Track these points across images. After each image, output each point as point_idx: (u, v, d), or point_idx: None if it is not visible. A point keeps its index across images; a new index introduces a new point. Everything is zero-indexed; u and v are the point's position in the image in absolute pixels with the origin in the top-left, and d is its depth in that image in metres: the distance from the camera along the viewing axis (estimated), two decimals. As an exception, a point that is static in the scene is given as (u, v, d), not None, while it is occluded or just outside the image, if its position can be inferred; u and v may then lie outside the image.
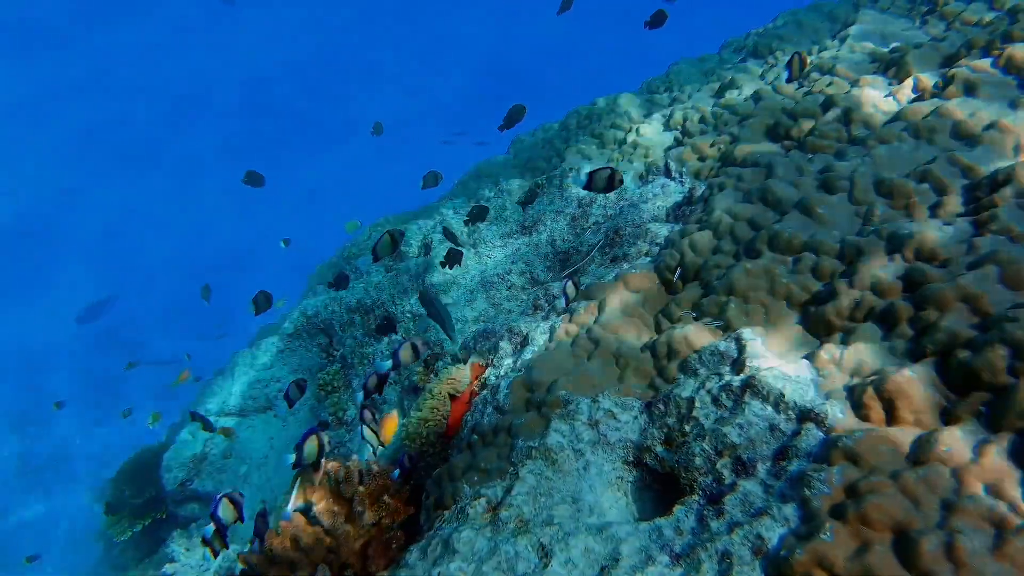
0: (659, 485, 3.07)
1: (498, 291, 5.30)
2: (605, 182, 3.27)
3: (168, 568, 5.70)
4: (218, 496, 3.36)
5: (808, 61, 4.57)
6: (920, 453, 2.15)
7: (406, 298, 5.94)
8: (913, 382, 2.33)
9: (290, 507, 3.44)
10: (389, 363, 3.48)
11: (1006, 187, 2.87)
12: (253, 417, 7.42)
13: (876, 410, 2.37)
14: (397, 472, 3.35)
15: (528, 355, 3.59)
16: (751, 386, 2.68)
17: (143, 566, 8.41)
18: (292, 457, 2.99)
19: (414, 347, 3.57)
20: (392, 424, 3.46)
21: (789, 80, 4.47)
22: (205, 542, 3.43)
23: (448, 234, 5.93)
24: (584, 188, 3.40)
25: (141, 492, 7.61)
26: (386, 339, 5.92)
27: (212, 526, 3.35)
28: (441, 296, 5.40)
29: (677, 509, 2.61)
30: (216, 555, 3.41)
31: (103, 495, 17.44)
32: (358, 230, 10.05)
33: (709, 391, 2.82)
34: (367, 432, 3.46)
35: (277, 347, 7.46)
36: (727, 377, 2.83)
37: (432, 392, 3.55)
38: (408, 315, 5.80)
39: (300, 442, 2.95)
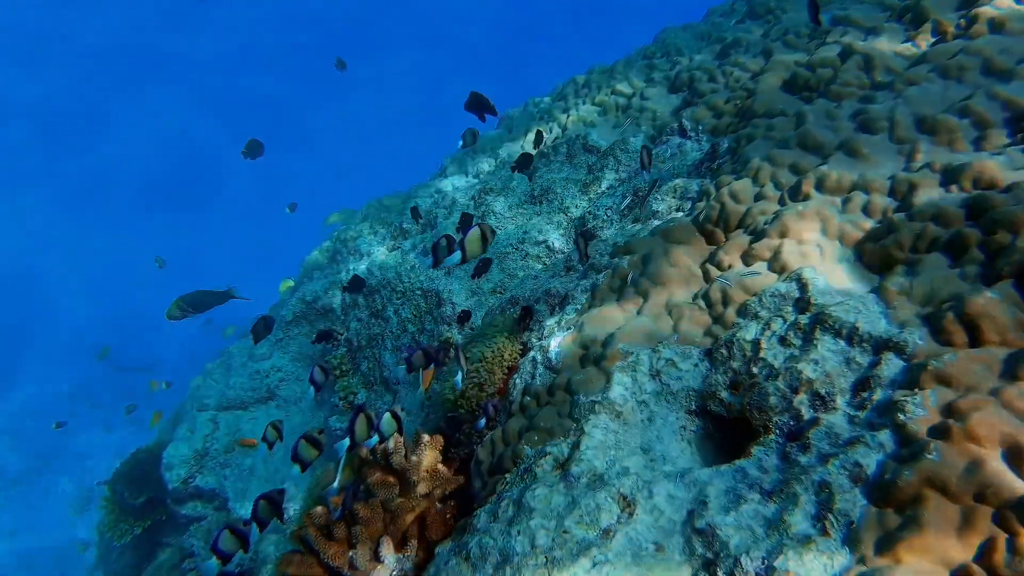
0: (721, 433, 3.03)
1: (513, 261, 5.20)
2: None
3: (188, 563, 5.50)
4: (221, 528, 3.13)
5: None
6: (1017, 369, 2.13)
7: (414, 274, 5.80)
8: (995, 303, 2.31)
9: (336, 484, 3.31)
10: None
11: (1054, 114, 2.88)
12: (255, 409, 7.20)
13: (958, 334, 2.36)
14: (483, 422, 3.21)
15: (571, 314, 3.51)
16: (821, 321, 2.64)
17: (145, 570, 8.15)
18: (346, 442, 2.85)
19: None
20: (429, 374, 3.31)
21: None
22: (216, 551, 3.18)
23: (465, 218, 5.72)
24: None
25: (140, 493, 7.34)
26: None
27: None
28: (455, 270, 5.28)
29: (755, 449, 2.57)
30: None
31: (83, 506, 16.86)
32: (336, 224, 9.82)
33: (775, 332, 2.78)
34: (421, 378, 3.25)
35: (275, 336, 7.24)
36: (793, 316, 2.79)
37: (482, 355, 3.44)
38: (418, 292, 5.66)
39: (351, 421, 2.81)
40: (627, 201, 4.25)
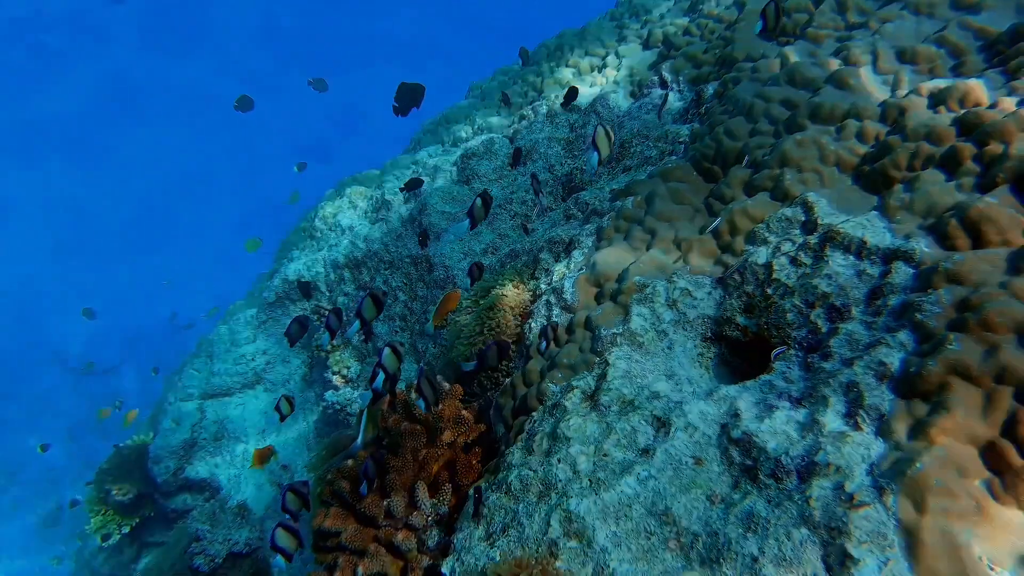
0: (737, 358, 3.15)
1: (502, 221, 5.23)
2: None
3: (195, 547, 5.40)
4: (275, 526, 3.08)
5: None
6: (1020, 264, 2.28)
7: (401, 243, 5.77)
8: (995, 207, 2.46)
9: (360, 439, 3.32)
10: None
11: (1028, 35, 3.05)
12: (241, 394, 7.08)
13: (962, 239, 2.50)
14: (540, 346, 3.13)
15: (579, 258, 3.57)
16: (830, 239, 2.77)
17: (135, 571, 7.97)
18: (381, 377, 2.83)
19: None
20: (454, 300, 3.28)
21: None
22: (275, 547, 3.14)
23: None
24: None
25: (126, 489, 7.15)
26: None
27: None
28: (444, 233, 5.27)
29: (776, 364, 2.68)
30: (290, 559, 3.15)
31: (53, 520, 16.30)
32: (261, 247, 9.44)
33: (786, 253, 2.89)
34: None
35: (257, 319, 7.11)
36: (801, 238, 2.91)
37: (492, 305, 3.47)
38: (407, 260, 5.64)
39: (372, 374, 2.80)
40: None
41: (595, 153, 2.90)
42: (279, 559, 2.87)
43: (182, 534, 5.80)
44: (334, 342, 6.07)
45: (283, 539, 2.86)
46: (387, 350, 2.78)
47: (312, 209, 8.19)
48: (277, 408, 4.23)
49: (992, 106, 2.83)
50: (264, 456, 4.05)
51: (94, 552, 8.93)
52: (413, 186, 5.61)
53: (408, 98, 4.33)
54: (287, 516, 3.12)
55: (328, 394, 5.96)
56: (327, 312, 4.05)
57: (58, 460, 16.81)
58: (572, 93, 4.80)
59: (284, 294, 6.87)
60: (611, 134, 2.90)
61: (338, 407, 5.88)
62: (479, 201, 2.89)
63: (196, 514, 5.67)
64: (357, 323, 3.02)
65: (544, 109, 5.72)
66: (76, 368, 18.39)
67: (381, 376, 2.71)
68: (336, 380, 6.01)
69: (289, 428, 6.56)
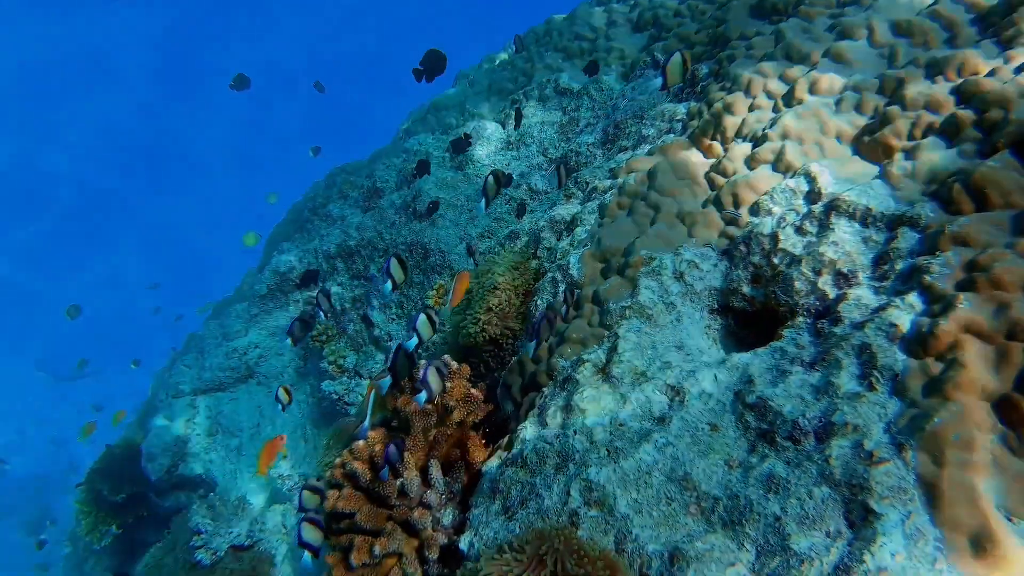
0: (743, 329, 3.18)
1: (497, 205, 5.22)
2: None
3: (196, 540, 5.33)
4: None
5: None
6: (1021, 224, 2.32)
7: (395, 230, 5.73)
8: (998, 170, 2.51)
9: (367, 422, 3.30)
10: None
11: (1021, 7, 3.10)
12: (234, 389, 7.00)
13: (966, 202, 2.54)
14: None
15: (582, 235, 3.57)
16: (835, 207, 2.80)
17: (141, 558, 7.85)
18: (415, 340, 2.81)
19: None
20: (466, 280, 3.24)
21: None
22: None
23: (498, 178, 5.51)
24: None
25: (119, 488, 7.04)
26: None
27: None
28: (440, 218, 5.25)
29: (786, 332, 2.71)
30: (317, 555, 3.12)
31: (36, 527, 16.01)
32: (253, 246, 9.39)
33: (791, 223, 2.92)
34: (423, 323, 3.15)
35: (249, 312, 7.02)
36: (805, 208, 2.94)
37: (495, 284, 3.46)
38: (402, 246, 5.60)
39: (413, 324, 2.76)
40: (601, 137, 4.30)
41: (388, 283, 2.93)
42: (306, 558, 2.81)
43: (181, 529, 5.73)
44: (327, 322, 6.01)
45: (310, 534, 2.81)
46: (422, 316, 2.73)
47: (300, 201, 8.11)
48: (277, 398, 4.20)
49: (991, 74, 2.87)
50: (274, 449, 4.01)
51: (84, 555, 8.79)
52: (459, 147, 5.42)
53: (433, 64, 4.34)
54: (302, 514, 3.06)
55: (325, 384, 5.92)
56: (320, 299, 4.00)
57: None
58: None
59: (276, 286, 6.80)
60: (502, 180, 2.99)
61: (335, 397, 5.84)
62: (491, 179, 2.87)
63: (196, 508, 5.60)
64: (388, 284, 2.96)
65: (536, 94, 5.71)
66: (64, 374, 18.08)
67: (414, 340, 2.67)
68: (332, 370, 5.96)
69: (284, 421, 6.50)
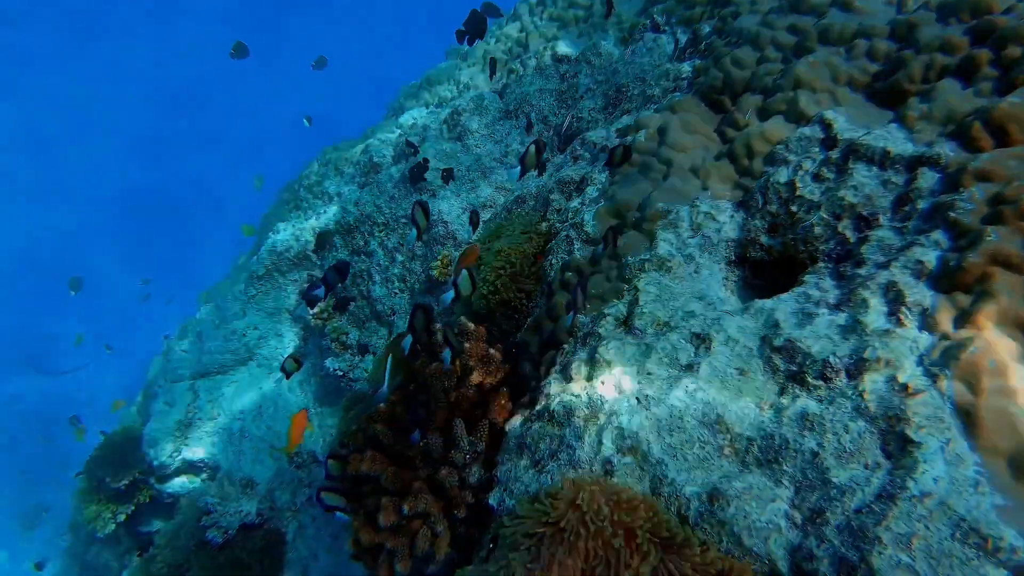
0: (761, 280, 3.17)
1: (498, 175, 5.17)
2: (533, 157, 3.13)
3: (207, 520, 5.30)
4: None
5: None
6: (1049, 156, 2.32)
7: (395, 203, 5.66)
8: (1019, 105, 2.50)
9: (386, 385, 3.27)
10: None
11: (1030, -54, 3.08)
12: (234, 372, 6.93)
13: (986, 140, 2.54)
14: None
15: (594, 193, 3.54)
16: (852, 152, 2.79)
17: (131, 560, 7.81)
18: (451, 293, 2.79)
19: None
20: (474, 254, 3.23)
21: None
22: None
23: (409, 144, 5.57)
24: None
25: (120, 475, 6.97)
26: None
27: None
28: (441, 189, 5.19)
29: (808, 277, 2.71)
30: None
31: (32, 520, 15.86)
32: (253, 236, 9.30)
33: (808, 171, 2.91)
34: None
35: (246, 293, 6.93)
36: (822, 155, 2.93)
37: (504, 248, 3.43)
38: (403, 219, 5.54)
39: (454, 279, 2.74)
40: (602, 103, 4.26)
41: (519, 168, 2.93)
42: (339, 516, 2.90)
43: (191, 509, 5.69)
44: (325, 302, 5.96)
45: (333, 499, 2.86)
46: (464, 271, 2.70)
47: (294, 180, 8.00)
48: (283, 368, 4.15)
49: (1007, 11, 2.86)
50: (302, 424, 4.00)
51: (86, 545, 8.74)
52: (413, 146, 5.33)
53: (475, 26, 4.28)
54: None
55: (328, 361, 5.87)
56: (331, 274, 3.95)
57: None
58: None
59: (273, 266, 6.71)
60: (543, 148, 2.93)
61: (340, 374, 5.80)
62: (532, 148, 2.84)
63: (205, 487, 5.56)
64: (413, 232, 2.94)
65: (533, 63, 5.64)
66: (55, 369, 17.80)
67: (451, 293, 2.65)
68: (335, 347, 5.92)
69: (288, 401, 6.45)
